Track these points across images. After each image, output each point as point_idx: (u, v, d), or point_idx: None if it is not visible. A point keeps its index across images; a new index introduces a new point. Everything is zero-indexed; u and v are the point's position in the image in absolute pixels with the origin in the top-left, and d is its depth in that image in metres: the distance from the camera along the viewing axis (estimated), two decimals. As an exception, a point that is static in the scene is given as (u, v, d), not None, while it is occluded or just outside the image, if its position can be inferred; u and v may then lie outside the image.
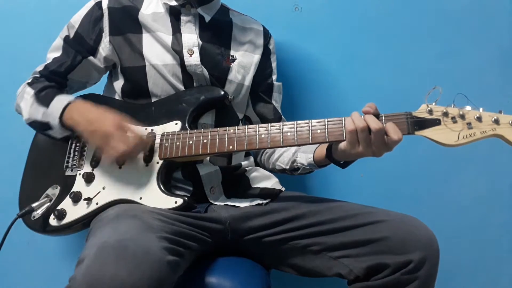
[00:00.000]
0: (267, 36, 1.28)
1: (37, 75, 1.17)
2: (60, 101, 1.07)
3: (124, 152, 0.97)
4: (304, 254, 1.05)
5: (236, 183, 1.15)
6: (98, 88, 1.26)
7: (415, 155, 1.47)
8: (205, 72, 1.12)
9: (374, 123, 0.91)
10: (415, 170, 1.49)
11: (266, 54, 1.27)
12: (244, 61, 1.20)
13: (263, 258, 1.10)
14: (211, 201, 1.09)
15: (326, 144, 1.04)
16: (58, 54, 1.16)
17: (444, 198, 1.48)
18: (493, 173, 1.49)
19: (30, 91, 1.12)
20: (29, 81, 1.16)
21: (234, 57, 1.19)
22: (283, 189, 1.19)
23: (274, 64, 1.30)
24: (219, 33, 1.18)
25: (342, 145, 0.96)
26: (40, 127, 1.11)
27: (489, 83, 1.47)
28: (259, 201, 1.11)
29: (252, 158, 1.24)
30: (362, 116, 0.94)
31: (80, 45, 1.15)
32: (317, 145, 1.08)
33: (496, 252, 1.49)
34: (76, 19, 1.16)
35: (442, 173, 1.49)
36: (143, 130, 1.06)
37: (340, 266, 1.01)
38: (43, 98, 1.09)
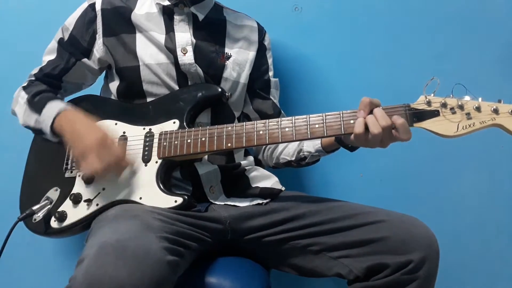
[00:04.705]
0: (261, 32, 1.28)
1: (32, 78, 1.18)
2: (52, 108, 1.07)
3: (97, 171, 0.97)
4: (304, 254, 1.05)
5: (235, 182, 1.14)
6: (95, 89, 1.26)
7: (415, 155, 1.47)
8: (199, 70, 1.12)
9: (383, 121, 0.92)
10: (415, 170, 1.48)
11: (261, 51, 1.26)
12: (239, 59, 1.20)
13: (263, 258, 1.10)
14: (211, 201, 1.09)
15: None
16: (53, 56, 1.17)
17: (444, 198, 1.48)
18: (493, 173, 1.49)
19: (24, 96, 1.12)
20: (25, 84, 1.17)
21: (229, 54, 1.19)
22: (283, 188, 1.18)
23: (270, 60, 1.29)
24: (213, 31, 1.18)
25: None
26: (35, 132, 1.14)
27: (488, 82, 1.47)
28: (259, 201, 1.11)
29: (251, 158, 1.24)
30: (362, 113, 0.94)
31: (74, 47, 1.15)
32: None
33: (496, 252, 1.49)
34: (70, 21, 1.17)
35: (442, 173, 1.48)
36: (123, 151, 1.03)
37: (340, 266, 1.01)
38: (36, 105, 1.10)
